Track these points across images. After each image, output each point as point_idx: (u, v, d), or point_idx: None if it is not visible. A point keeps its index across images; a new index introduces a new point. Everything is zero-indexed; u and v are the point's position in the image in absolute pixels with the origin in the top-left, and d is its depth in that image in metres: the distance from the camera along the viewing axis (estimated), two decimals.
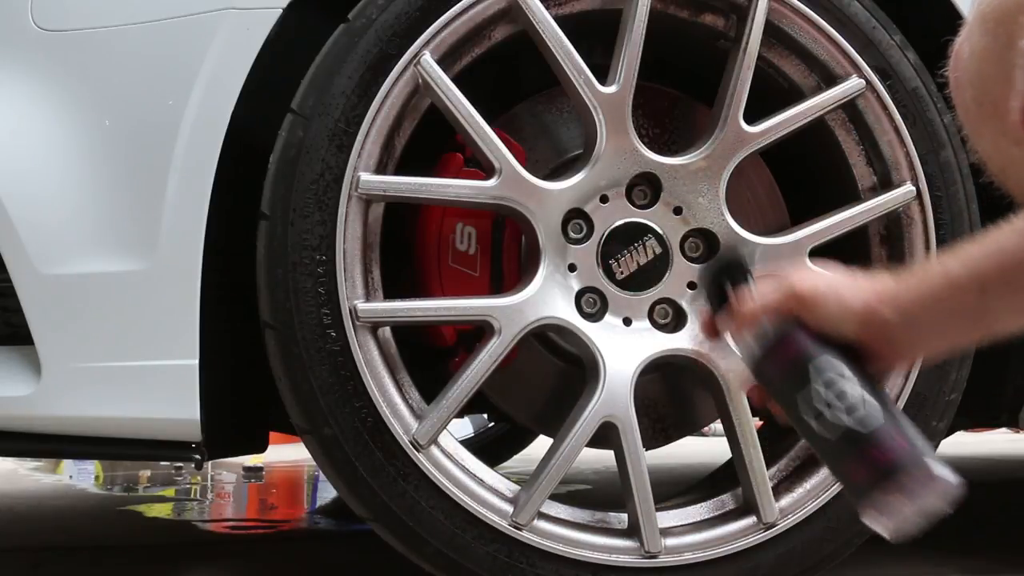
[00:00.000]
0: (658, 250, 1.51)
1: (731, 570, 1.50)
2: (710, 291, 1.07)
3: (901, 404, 1.54)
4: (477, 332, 1.52)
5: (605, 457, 1.60)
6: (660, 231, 1.51)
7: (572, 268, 1.48)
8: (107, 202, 1.40)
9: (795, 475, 1.56)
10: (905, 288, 0.97)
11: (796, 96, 1.56)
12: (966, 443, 4.11)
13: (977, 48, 0.72)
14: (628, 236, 1.50)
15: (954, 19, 1.55)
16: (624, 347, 1.48)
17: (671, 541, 1.49)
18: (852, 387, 0.95)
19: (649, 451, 1.53)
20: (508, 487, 1.48)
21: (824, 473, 1.54)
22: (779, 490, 1.53)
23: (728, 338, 1.05)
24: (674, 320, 1.52)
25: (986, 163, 0.77)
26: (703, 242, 1.53)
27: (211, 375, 1.40)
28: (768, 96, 1.55)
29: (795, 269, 1.02)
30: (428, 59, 1.42)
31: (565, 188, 1.46)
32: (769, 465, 1.52)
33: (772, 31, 1.52)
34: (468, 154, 1.55)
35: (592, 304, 1.49)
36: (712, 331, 1.10)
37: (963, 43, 0.74)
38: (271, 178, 1.41)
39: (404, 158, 1.47)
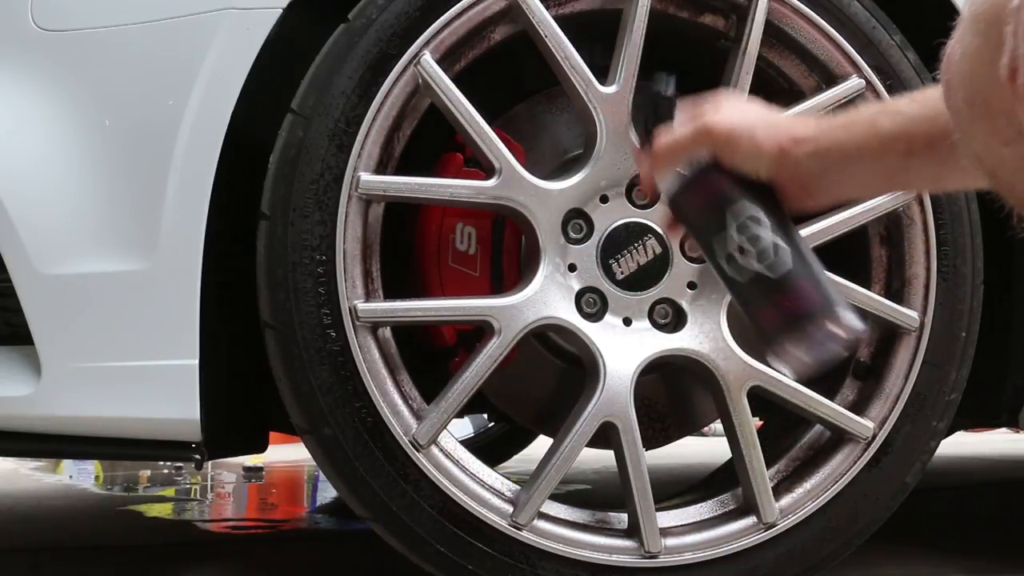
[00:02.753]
0: (658, 250, 1.51)
1: (731, 570, 1.51)
2: (640, 132, 1.07)
3: (901, 404, 1.54)
4: (477, 332, 1.52)
5: (605, 457, 1.60)
6: (660, 231, 1.51)
7: (572, 268, 1.48)
8: (107, 202, 1.40)
9: (795, 475, 1.56)
10: (828, 133, 0.96)
11: (796, 96, 1.56)
12: (966, 443, 4.12)
13: (969, 49, 0.72)
14: (628, 236, 1.50)
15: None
16: (624, 347, 1.48)
17: (671, 541, 1.49)
18: (765, 232, 0.96)
19: (649, 451, 1.53)
20: (508, 487, 1.48)
21: (824, 473, 1.54)
22: (779, 490, 1.54)
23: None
24: (674, 320, 1.52)
25: (977, 165, 0.77)
26: None
27: (211, 375, 1.40)
28: (768, 96, 1.55)
29: (714, 105, 1.01)
30: (428, 59, 1.42)
31: (565, 188, 1.47)
32: (769, 465, 1.52)
33: (772, 31, 1.52)
34: (468, 154, 1.55)
35: (592, 304, 1.49)
36: (650, 180, 1.08)
37: (955, 45, 0.74)
38: (271, 178, 1.41)
39: (404, 158, 1.47)
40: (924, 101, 0.93)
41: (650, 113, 1.07)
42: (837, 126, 0.97)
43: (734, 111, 1.00)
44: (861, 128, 0.95)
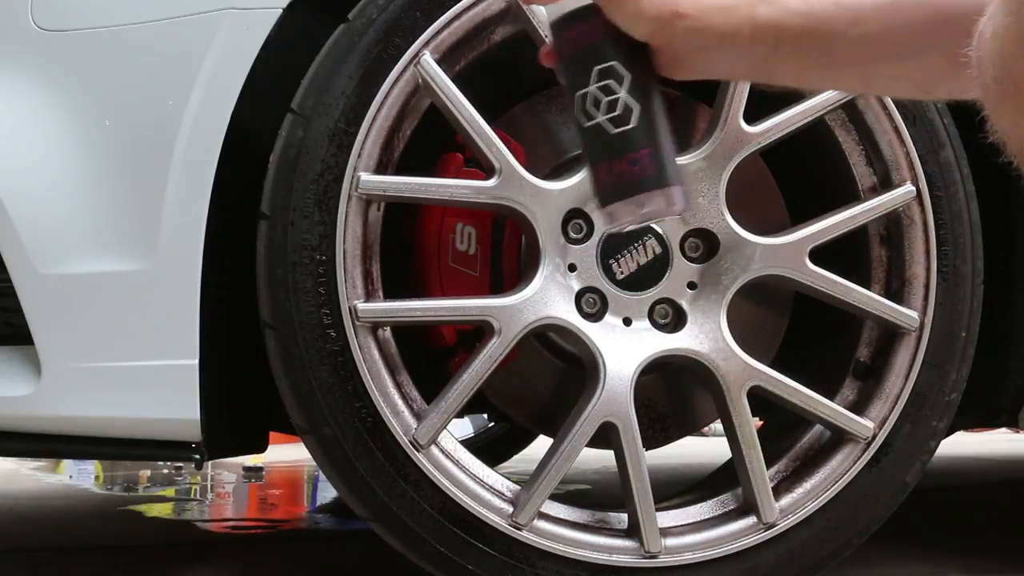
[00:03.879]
0: (658, 250, 1.51)
1: (731, 570, 1.50)
2: None
3: (901, 404, 1.54)
4: (477, 332, 1.52)
5: (605, 457, 1.60)
6: (660, 231, 1.51)
7: (572, 268, 1.48)
8: (107, 202, 1.40)
9: (795, 475, 1.56)
10: (706, 14, 0.97)
11: (796, 96, 1.56)
12: (966, 443, 4.12)
13: (1000, 28, 0.72)
14: (628, 236, 1.50)
15: None
16: (624, 347, 1.48)
17: (671, 541, 1.49)
18: (620, 89, 0.97)
19: (649, 451, 1.53)
20: (508, 487, 1.48)
21: (824, 473, 1.54)
22: (779, 490, 1.53)
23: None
24: (674, 320, 1.52)
25: (1005, 143, 0.77)
26: (703, 242, 1.53)
27: (211, 375, 1.40)
28: (768, 96, 1.55)
29: None
30: (428, 59, 1.42)
31: (565, 188, 1.47)
32: (769, 465, 1.52)
33: None
34: (468, 154, 1.55)
35: (592, 304, 1.49)
36: None
37: (987, 22, 0.74)
38: (271, 178, 1.41)
39: (404, 158, 1.47)
40: None
41: None
42: (720, 9, 0.98)
43: None
44: (740, 14, 0.97)
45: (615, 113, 0.97)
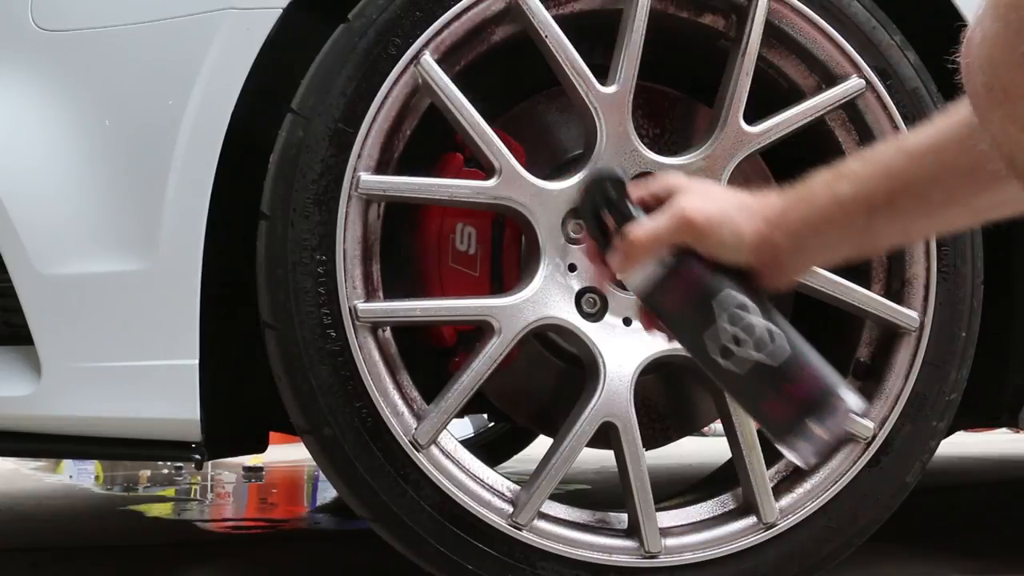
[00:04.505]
0: None
1: (731, 570, 1.50)
2: (589, 221, 1.01)
3: (901, 404, 1.54)
4: (477, 332, 1.52)
5: (605, 457, 1.60)
6: None
7: (572, 268, 1.48)
8: (107, 202, 1.40)
9: (795, 475, 1.56)
10: (794, 210, 0.96)
11: (796, 96, 1.56)
12: (966, 443, 4.12)
13: (989, 33, 0.72)
14: None
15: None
16: (624, 347, 1.48)
17: (671, 541, 1.49)
18: (757, 319, 0.93)
19: (649, 451, 1.53)
20: (508, 487, 1.48)
21: (824, 473, 1.54)
22: (779, 490, 1.53)
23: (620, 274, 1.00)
24: None
25: (995, 150, 0.77)
26: None
27: (211, 375, 1.40)
28: (768, 96, 1.55)
29: (681, 190, 0.99)
30: (428, 59, 1.42)
31: (565, 188, 1.46)
32: (769, 465, 1.52)
33: (772, 31, 1.52)
34: (468, 154, 1.55)
35: (592, 304, 1.49)
36: (604, 269, 1.02)
37: (975, 28, 0.74)
38: (271, 178, 1.41)
39: (404, 158, 1.47)
40: (875, 160, 0.94)
41: (599, 199, 1.01)
42: (801, 200, 0.97)
43: (706, 199, 0.98)
44: (822, 198, 0.95)
45: (768, 346, 0.92)
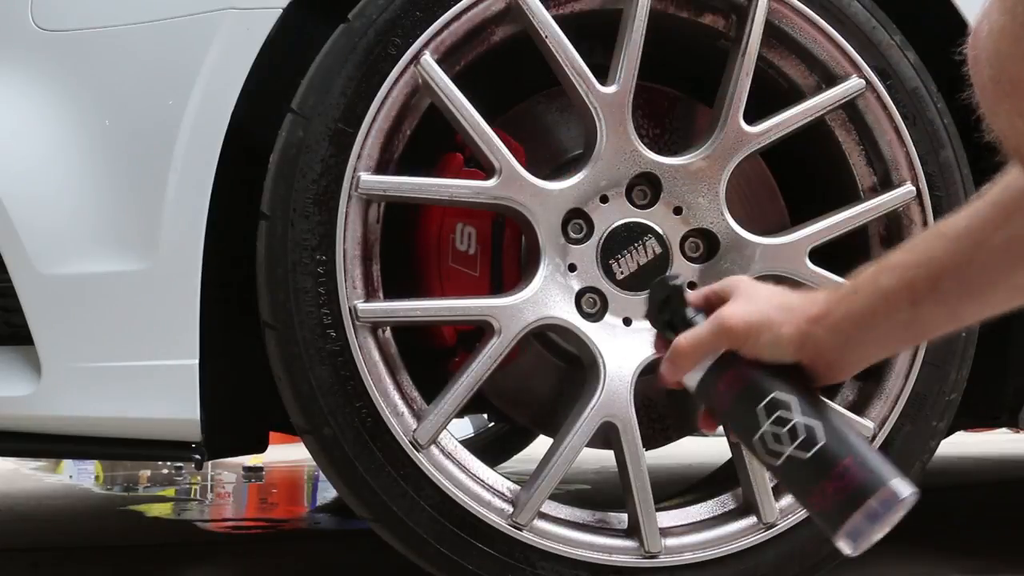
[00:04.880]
0: (658, 250, 1.51)
1: (731, 570, 1.50)
2: (656, 324, 1.09)
3: (901, 404, 1.54)
4: (477, 332, 1.52)
5: (605, 457, 1.60)
6: (660, 231, 1.51)
7: (572, 268, 1.48)
8: (107, 202, 1.40)
9: None
10: (837, 306, 0.97)
11: (796, 96, 1.56)
12: (966, 443, 4.12)
13: (995, 27, 0.72)
14: (628, 236, 1.50)
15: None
16: (624, 347, 1.48)
17: (671, 541, 1.49)
18: (795, 415, 0.95)
19: (649, 451, 1.53)
20: (508, 487, 1.48)
21: None
22: (779, 490, 1.53)
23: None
24: None
25: (1002, 142, 0.77)
26: (703, 242, 1.53)
27: (211, 375, 1.39)
28: (768, 96, 1.55)
29: (731, 293, 1.03)
30: (428, 59, 1.42)
31: (565, 188, 1.46)
32: None
33: (772, 31, 1.52)
34: (468, 154, 1.55)
35: (592, 304, 1.49)
36: (666, 369, 1.07)
37: (982, 21, 0.74)
38: (271, 178, 1.41)
39: (404, 158, 1.47)
40: (913, 248, 0.95)
41: (662, 304, 1.07)
42: (844, 295, 0.98)
43: (746, 302, 1.00)
44: (865, 292, 0.96)
45: (800, 438, 0.94)
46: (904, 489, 0.91)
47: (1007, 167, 0.86)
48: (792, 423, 0.95)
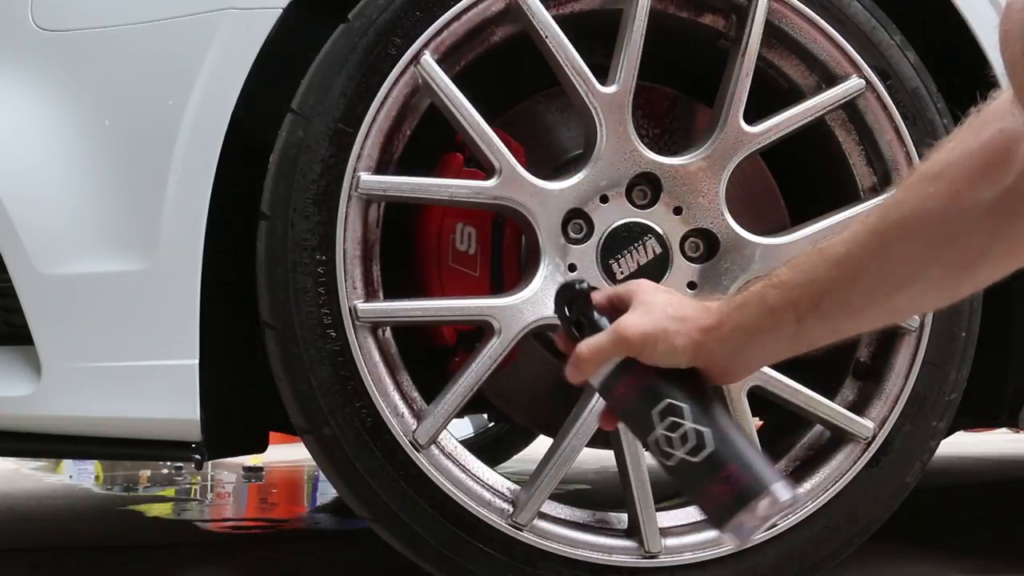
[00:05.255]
0: (658, 250, 1.51)
1: (731, 570, 1.50)
2: (563, 323, 1.14)
3: (901, 404, 1.54)
4: (477, 332, 1.52)
5: (605, 457, 1.60)
6: (660, 231, 1.51)
7: (572, 268, 1.48)
8: (107, 202, 1.40)
9: (795, 475, 1.56)
10: (728, 318, 1.03)
11: (796, 96, 1.56)
12: (966, 443, 4.12)
13: None
14: (628, 236, 1.50)
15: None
16: None
17: (671, 541, 1.49)
18: (686, 420, 1.02)
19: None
20: (508, 487, 1.48)
21: (824, 473, 1.54)
22: None
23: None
24: None
25: None
26: (703, 242, 1.53)
27: (211, 375, 1.40)
28: (768, 96, 1.55)
29: (632, 301, 1.09)
30: (428, 59, 1.42)
31: (565, 188, 1.46)
32: None
33: (772, 31, 1.52)
34: (468, 154, 1.55)
35: None
36: (569, 372, 1.12)
37: None
38: (271, 178, 1.41)
39: (404, 158, 1.47)
40: (799, 267, 1.01)
41: (569, 306, 1.12)
42: (735, 309, 1.04)
43: (644, 312, 1.06)
44: (753, 307, 1.02)
45: (691, 443, 1.01)
46: (784, 493, 0.99)
47: (888, 192, 0.92)
48: (684, 429, 1.01)
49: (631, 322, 1.05)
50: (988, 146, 0.86)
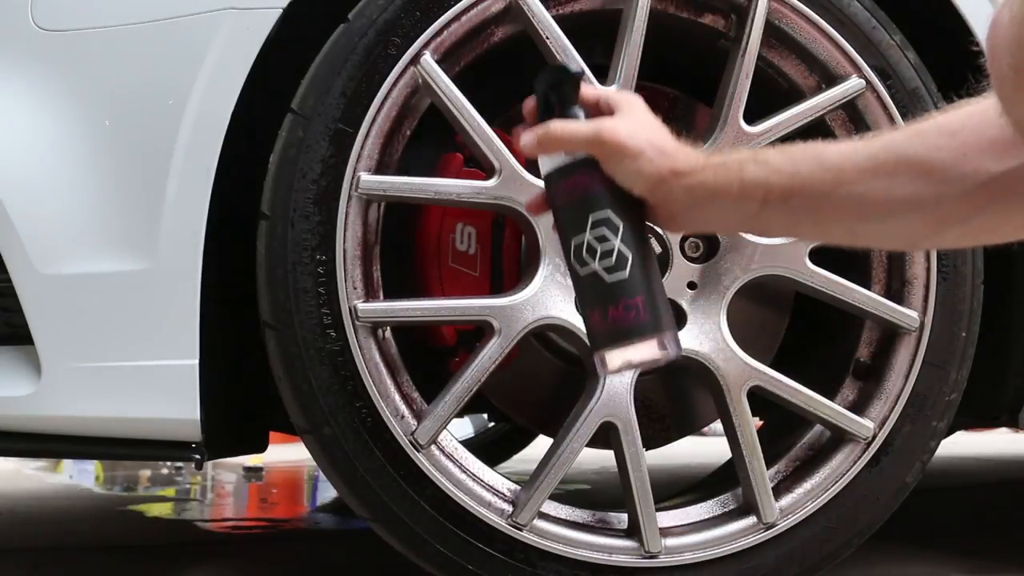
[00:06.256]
0: (658, 250, 1.51)
1: (731, 570, 1.50)
2: (538, 100, 1.09)
3: (901, 404, 1.54)
4: (477, 332, 1.52)
5: (605, 457, 1.60)
6: (660, 231, 1.51)
7: None
8: (107, 202, 1.40)
9: (795, 475, 1.56)
10: (701, 172, 1.02)
11: (796, 96, 1.56)
12: (966, 443, 4.12)
13: (1018, 14, 0.72)
14: None
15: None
16: None
17: (671, 541, 1.49)
18: (615, 239, 1.01)
19: (649, 451, 1.53)
20: (508, 487, 1.48)
21: (824, 473, 1.54)
22: (779, 490, 1.53)
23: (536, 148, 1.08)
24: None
25: (1020, 130, 0.77)
26: (703, 242, 1.53)
27: (211, 375, 1.40)
28: (768, 96, 1.55)
29: (621, 109, 1.06)
30: (428, 59, 1.42)
31: None
32: (769, 465, 1.52)
33: (772, 31, 1.52)
34: (468, 154, 1.55)
35: None
36: (528, 139, 1.08)
37: (1003, 9, 0.74)
38: (271, 178, 1.41)
39: (404, 158, 1.47)
40: (789, 154, 1.00)
41: (553, 86, 1.08)
42: (712, 165, 1.03)
43: (630, 125, 1.04)
44: (730, 171, 1.02)
45: (610, 262, 1.00)
46: (672, 345, 1.00)
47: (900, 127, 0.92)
48: (611, 244, 1.01)
49: (616, 127, 1.03)
50: (1007, 126, 0.86)
